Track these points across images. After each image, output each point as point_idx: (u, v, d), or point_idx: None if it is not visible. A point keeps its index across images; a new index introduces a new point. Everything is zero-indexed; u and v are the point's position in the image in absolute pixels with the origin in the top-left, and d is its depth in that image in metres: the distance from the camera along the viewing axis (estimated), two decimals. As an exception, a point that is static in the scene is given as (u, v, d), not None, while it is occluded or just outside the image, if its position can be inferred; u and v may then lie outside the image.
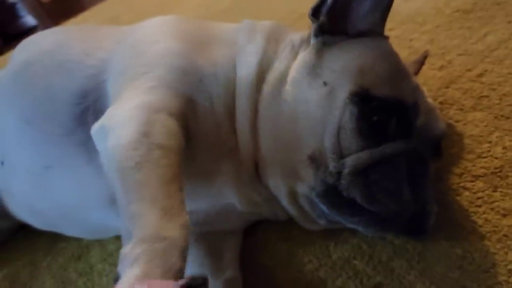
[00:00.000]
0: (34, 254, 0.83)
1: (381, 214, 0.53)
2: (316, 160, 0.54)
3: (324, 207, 0.55)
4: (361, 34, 0.59)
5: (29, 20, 2.48)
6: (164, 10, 1.73)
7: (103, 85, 0.63)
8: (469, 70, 0.83)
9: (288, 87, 0.58)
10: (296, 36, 0.64)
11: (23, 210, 0.75)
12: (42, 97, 0.65)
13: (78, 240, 0.80)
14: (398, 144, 0.53)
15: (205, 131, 0.58)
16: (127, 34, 0.69)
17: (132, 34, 0.68)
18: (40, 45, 0.72)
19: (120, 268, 0.41)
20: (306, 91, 0.56)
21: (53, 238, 0.82)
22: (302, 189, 0.57)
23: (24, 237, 0.86)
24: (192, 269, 0.63)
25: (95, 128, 0.55)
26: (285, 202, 0.60)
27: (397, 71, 0.58)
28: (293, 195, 0.59)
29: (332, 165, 0.53)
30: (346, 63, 0.56)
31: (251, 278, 0.64)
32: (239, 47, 0.62)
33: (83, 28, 0.83)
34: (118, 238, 0.76)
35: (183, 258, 0.42)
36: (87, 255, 0.78)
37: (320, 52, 0.58)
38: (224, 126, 0.59)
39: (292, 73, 0.58)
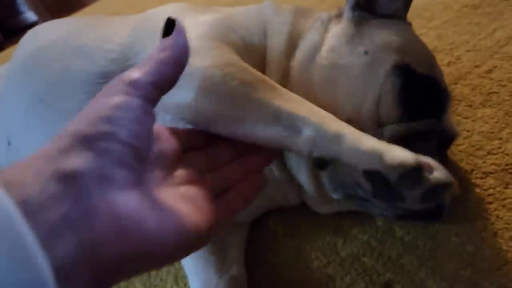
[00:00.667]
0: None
1: None
2: (352, 126, 0.54)
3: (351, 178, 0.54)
4: (388, 16, 0.61)
5: (30, 15, 2.47)
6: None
7: (127, 68, 0.62)
8: (477, 66, 0.82)
9: (326, 54, 0.58)
10: (322, 14, 0.65)
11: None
12: (58, 78, 0.63)
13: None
14: (431, 122, 0.55)
15: None
16: (140, 21, 0.67)
17: (147, 21, 0.66)
18: (51, 33, 0.71)
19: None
20: (346, 57, 0.56)
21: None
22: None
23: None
24: (196, 267, 0.62)
25: None
26: (303, 175, 0.58)
27: (430, 55, 0.61)
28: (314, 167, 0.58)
29: (369, 133, 0.52)
30: (386, 37, 0.57)
31: (257, 275, 0.63)
32: (268, 18, 0.63)
33: (93, 18, 0.81)
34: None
35: None
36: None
37: (358, 24, 0.60)
38: None
39: (331, 41, 0.59)
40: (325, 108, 0.55)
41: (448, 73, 0.83)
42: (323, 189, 0.58)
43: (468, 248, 0.55)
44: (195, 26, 0.57)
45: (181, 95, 0.46)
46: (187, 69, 0.38)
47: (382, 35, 0.58)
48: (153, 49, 0.37)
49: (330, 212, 0.63)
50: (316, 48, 0.59)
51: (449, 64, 0.85)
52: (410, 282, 0.54)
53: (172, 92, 0.37)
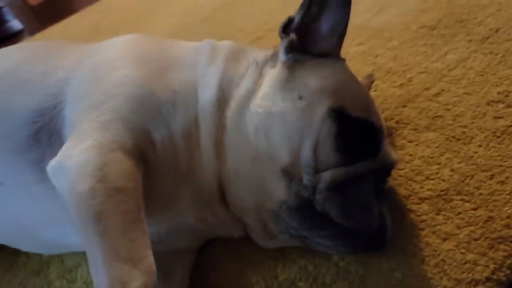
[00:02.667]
0: (-5, 269, 0.83)
1: (352, 229, 0.54)
2: (289, 173, 0.55)
3: (294, 221, 0.56)
4: (322, 55, 0.62)
5: (15, 24, 2.48)
6: (145, 18, 1.73)
7: (60, 107, 0.64)
8: (427, 88, 0.84)
9: (259, 101, 0.59)
10: (258, 54, 0.66)
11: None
12: (1, 114, 0.66)
13: (38, 255, 0.81)
14: (368, 163, 0.56)
15: (164, 159, 0.59)
16: (88, 54, 0.69)
17: (93, 55, 0.68)
18: (4, 62, 0.73)
19: None
20: (280, 104, 0.57)
21: (15, 253, 0.83)
22: (270, 203, 0.57)
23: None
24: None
25: (52, 165, 0.55)
26: (248, 218, 0.61)
27: (364, 95, 0.62)
28: (257, 211, 0.60)
29: (307, 179, 0.54)
30: (320, 80, 0.58)
31: (201, 297, 0.65)
32: (200, 69, 0.63)
33: (49, 45, 0.83)
34: (77, 253, 0.77)
35: None
36: (47, 271, 0.79)
37: (292, 68, 0.60)
38: (184, 151, 0.60)
39: (264, 88, 0.60)
40: (262, 157, 0.57)
41: (399, 95, 0.85)
42: (268, 228, 0.60)
43: (396, 275, 0.57)
44: (117, 92, 0.59)
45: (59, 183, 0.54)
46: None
47: (316, 78, 0.58)
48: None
49: (275, 247, 0.65)
50: (250, 97, 0.59)
51: (401, 86, 0.88)
52: (338, 308, 0.56)
53: None
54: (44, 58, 0.71)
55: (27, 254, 0.82)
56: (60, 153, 0.55)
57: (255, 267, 0.65)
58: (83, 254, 0.75)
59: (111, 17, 1.88)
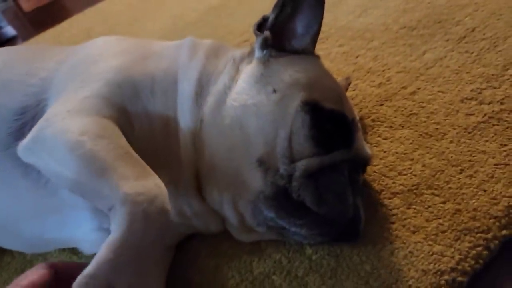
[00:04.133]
0: (-20, 269, 0.84)
1: (327, 217, 0.56)
2: (265, 164, 0.57)
3: (271, 211, 0.57)
4: (297, 52, 0.65)
5: (9, 30, 2.49)
6: (135, 22, 1.75)
7: (42, 103, 0.65)
8: (404, 87, 0.86)
9: (235, 95, 0.61)
10: (236, 52, 0.68)
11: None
12: None
13: (22, 255, 0.82)
14: (342, 152, 0.58)
15: (141, 142, 0.60)
16: (69, 54, 0.71)
17: (74, 54, 0.70)
18: None
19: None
20: (255, 97, 0.59)
21: (0, 252, 0.84)
22: (247, 194, 0.59)
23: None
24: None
25: (23, 143, 0.56)
26: (226, 210, 0.62)
27: (337, 89, 0.64)
28: (234, 203, 0.61)
29: (283, 168, 0.56)
30: (294, 74, 0.61)
31: (179, 293, 0.66)
32: (181, 62, 0.66)
33: (31, 48, 0.85)
34: (61, 252, 0.78)
35: (166, 213, 0.48)
36: (30, 269, 0.80)
37: (267, 63, 0.63)
38: (162, 138, 0.62)
39: (240, 83, 0.62)
40: (238, 148, 0.59)
41: (377, 94, 0.87)
42: (245, 220, 0.62)
43: (366, 267, 0.59)
44: (96, 79, 0.61)
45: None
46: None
47: (290, 72, 0.60)
48: None
49: (252, 240, 0.66)
50: (227, 92, 0.61)
51: (379, 85, 0.89)
52: (309, 300, 0.58)
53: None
54: (27, 60, 0.73)
55: (11, 253, 0.83)
56: (33, 130, 0.56)
57: (232, 262, 0.66)
58: (66, 253, 0.77)
59: (103, 22, 1.90)
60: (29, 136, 0.56)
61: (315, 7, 0.63)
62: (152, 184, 0.48)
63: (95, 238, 0.65)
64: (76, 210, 0.64)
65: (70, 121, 0.54)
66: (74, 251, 0.76)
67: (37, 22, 2.72)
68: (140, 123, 0.60)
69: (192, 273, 0.68)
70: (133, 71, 0.62)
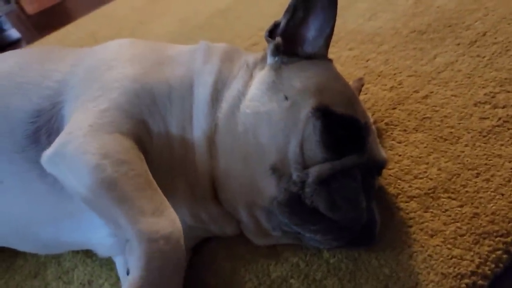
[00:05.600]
0: (-8, 272, 0.84)
1: (340, 223, 0.56)
2: (278, 170, 0.57)
3: (285, 216, 0.57)
4: (309, 57, 0.65)
5: (13, 33, 2.49)
6: (141, 25, 1.75)
7: (58, 107, 0.65)
8: (416, 91, 0.86)
9: (248, 102, 0.61)
10: (249, 57, 0.68)
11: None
12: None
13: (36, 257, 0.82)
14: (354, 157, 0.58)
15: (159, 151, 0.61)
16: (83, 57, 0.71)
17: (88, 57, 0.70)
18: None
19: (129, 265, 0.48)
20: (267, 104, 0.59)
21: (12, 255, 0.84)
22: (261, 201, 0.59)
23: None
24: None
25: (47, 154, 0.56)
26: (242, 215, 0.62)
27: (349, 93, 0.63)
28: (250, 208, 0.61)
29: (295, 175, 0.56)
30: (305, 80, 0.60)
31: (195, 296, 0.66)
32: (196, 67, 0.66)
33: (43, 50, 0.85)
34: (74, 255, 0.78)
35: (181, 249, 0.49)
36: (44, 273, 0.80)
37: (278, 70, 0.63)
38: (178, 145, 0.62)
39: (252, 89, 0.62)
40: (252, 155, 0.59)
41: (389, 98, 0.87)
42: (261, 225, 0.62)
43: (385, 271, 0.59)
44: (113, 87, 0.61)
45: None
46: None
47: (301, 79, 0.60)
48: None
49: (268, 244, 0.67)
50: (240, 98, 0.61)
51: (391, 89, 0.90)
52: (328, 303, 0.58)
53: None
54: (40, 61, 0.73)
55: (24, 256, 0.83)
56: (56, 142, 0.56)
57: (249, 265, 0.67)
58: (80, 255, 0.77)
59: (108, 26, 1.90)
60: (52, 148, 0.56)
61: (328, 8, 0.63)
62: (167, 221, 0.50)
63: (111, 243, 0.65)
64: (92, 216, 0.64)
65: (91, 138, 0.55)
66: (88, 253, 0.76)
67: (40, 25, 2.72)
68: (158, 132, 0.60)
69: (208, 276, 0.68)
70: (150, 79, 0.62)
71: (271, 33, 0.65)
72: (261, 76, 0.63)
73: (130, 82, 0.62)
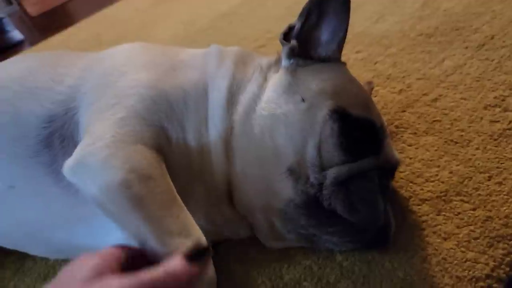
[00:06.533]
0: (2, 274, 0.84)
1: (358, 225, 0.56)
2: (295, 172, 0.57)
3: (302, 219, 0.58)
4: (323, 60, 0.65)
5: (16, 34, 2.49)
6: (145, 29, 1.76)
7: (71, 112, 0.65)
8: (425, 94, 0.87)
9: (264, 104, 0.61)
10: (262, 60, 0.69)
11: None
12: (9, 122, 0.67)
13: (45, 259, 0.82)
14: (371, 159, 0.58)
15: (178, 157, 0.60)
16: (94, 62, 0.71)
17: (99, 62, 0.70)
18: (9, 71, 0.74)
19: None
20: (284, 106, 0.59)
21: (21, 258, 0.84)
22: (277, 203, 0.59)
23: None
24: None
25: (70, 164, 0.56)
26: (256, 218, 0.62)
27: (364, 95, 0.64)
28: (265, 211, 0.61)
29: (313, 177, 0.56)
30: (321, 83, 0.61)
31: (208, 299, 0.66)
32: (209, 71, 0.66)
33: (54, 54, 0.85)
34: (84, 258, 0.78)
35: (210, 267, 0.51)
36: (53, 275, 0.79)
37: (294, 72, 0.63)
38: (195, 150, 0.62)
39: (268, 92, 0.62)
40: (268, 157, 0.59)
41: (398, 100, 0.88)
42: (275, 228, 0.62)
43: (399, 274, 0.59)
44: (129, 94, 0.61)
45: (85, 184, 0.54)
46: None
47: (317, 81, 0.61)
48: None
49: (280, 247, 0.67)
50: (256, 100, 0.62)
51: (400, 92, 0.90)
52: (343, 306, 0.58)
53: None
54: (51, 66, 0.73)
55: (33, 258, 0.83)
56: (78, 152, 0.56)
57: (261, 268, 0.67)
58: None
59: (112, 28, 1.91)
60: (74, 157, 0.56)
61: (341, 12, 0.64)
62: (194, 242, 0.49)
63: None
64: (104, 220, 0.64)
65: (115, 150, 0.54)
66: (99, 256, 0.76)
67: (43, 27, 2.73)
68: (177, 137, 0.61)
69: (220, 279, 0.68)
70: (165, 85, 0.62)
71: (286, 36, 0.65)
72: (276, 78, 0.63)
73: (145, 88, 0.62)
